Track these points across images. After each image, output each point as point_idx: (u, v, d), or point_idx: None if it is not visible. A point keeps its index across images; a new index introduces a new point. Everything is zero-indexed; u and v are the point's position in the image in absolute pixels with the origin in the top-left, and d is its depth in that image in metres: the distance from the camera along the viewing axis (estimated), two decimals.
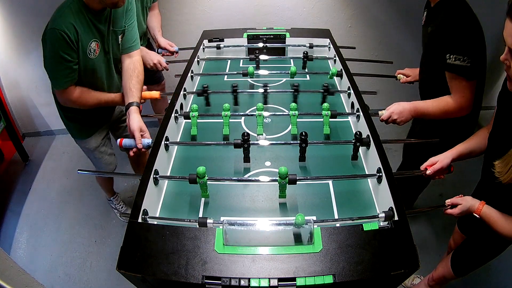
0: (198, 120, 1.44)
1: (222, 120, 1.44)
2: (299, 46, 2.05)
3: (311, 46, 2.03)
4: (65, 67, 1.38)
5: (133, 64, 1.56)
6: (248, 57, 1.95)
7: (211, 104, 1.66)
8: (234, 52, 2.08)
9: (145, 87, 1.69)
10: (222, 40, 2.06)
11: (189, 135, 1.47)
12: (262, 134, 1.41)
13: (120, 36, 1.54)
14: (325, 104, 1.44)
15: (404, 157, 1.96)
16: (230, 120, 1.49)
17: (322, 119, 1.44)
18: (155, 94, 1.69)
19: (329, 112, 1.41)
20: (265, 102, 1.65)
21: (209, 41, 2.06)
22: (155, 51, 2.12)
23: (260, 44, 2.01)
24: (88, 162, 1.98)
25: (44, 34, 1.36)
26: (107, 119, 1.83)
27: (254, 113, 1.43)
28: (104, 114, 1.77)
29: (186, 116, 1.45)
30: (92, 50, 1.45)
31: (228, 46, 2.05)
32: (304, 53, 1.89)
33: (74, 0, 1.36)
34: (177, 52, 2.09)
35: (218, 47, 2.04)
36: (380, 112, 1.47)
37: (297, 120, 1.44)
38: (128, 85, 1.51)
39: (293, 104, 1.43)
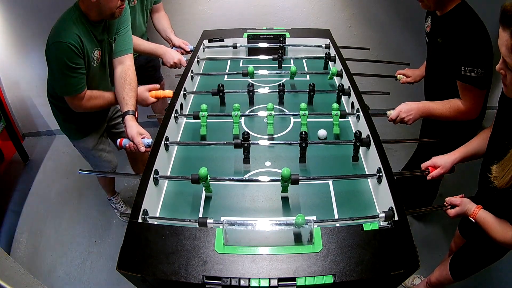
0: (198, 120, 1.44)
1: (227, 120, 1.44)
2: (299, 46, 2.05)
3: (327, 47, 2.02)
4: (75, 74, 1.42)
5: (125, 72, 1.56)
6: (272, 57, 1.93)
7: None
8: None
9: (157, 85, 1.68)
10: (222, 40, 2.06)
11: (190, 135, 1.47)
12: (272, 134, 1.41)
13: (113, 43, 1.57)
14: (335, 105, 1.44)
15: (415, 157, 1.96)
16: (230, 120, 1.49)
17: (326, 119, 1.45)
18: (169, 93, 1.62)
19: (338, 112, 1.41)
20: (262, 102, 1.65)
21: (209, 41, 2.06)
22: None
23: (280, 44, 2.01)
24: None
25: (47, 48, 1.39)
26: (103, 118, 1.84)
27: (254, 114, 1.43)
28: (99, 113, 1.77)
29: (196, 116, 1.44)
30: (95, 58, 1.49)
31: (242, 46, 2.05)
32: (326, 54, 1.89)
33: (74, 11, 1.40)
34: (191, 50, 2.07)
35: (235, 47, 2.04)
36: (388, 112, 1.49)
37: (295, 120, 1.43)
38: (121, 94, 1.51)
39: (303, 104, 1.43)
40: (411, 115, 1.44)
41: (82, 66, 1.43)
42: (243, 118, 1.55)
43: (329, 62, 1.92)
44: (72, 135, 1.79)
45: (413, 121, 1.47)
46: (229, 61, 2.03)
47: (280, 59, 1.91)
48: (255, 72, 1.72)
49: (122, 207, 2.34)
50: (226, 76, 1.88)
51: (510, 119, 1.01)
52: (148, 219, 1.02)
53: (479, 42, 1.30)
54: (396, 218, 0.98)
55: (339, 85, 1.62)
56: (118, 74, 1.57)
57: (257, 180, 1.18)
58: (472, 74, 1.31)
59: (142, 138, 1.37)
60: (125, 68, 1.58)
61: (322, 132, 1.40)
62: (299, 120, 1.52)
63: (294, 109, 1.58)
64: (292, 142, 1.30)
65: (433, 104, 1.46)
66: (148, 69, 2.25)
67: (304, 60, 2.02)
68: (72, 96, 1.48)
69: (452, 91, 1.44)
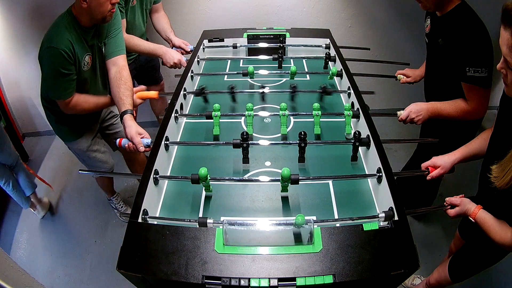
0: (198, 120, 1.44)
1: (234, 120, 1.46)
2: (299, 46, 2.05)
3: (327, 47, 2.02)
4: (65, 80, 1.45)
5: (119, 73, 1.57)
6: (272, 57, 1.93)
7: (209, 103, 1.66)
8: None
9: (143, 86, 1.70)
10: (222, 40, 2.06)
11: (190, 135, 1.47)
12: (286, 134, 1.41)
13: (102, 48, 1.59)
14: (347, 105, 1.45)
15: (415, 157, 1.97)
16: (230, 120, 1.49)
17: (324, 119, 1.45)
18: (153, 94, 1.68)
19: (351, 112, 1.42)
20: (264, 102, 1.65)
21: (209, 41, 2.06)
22: None
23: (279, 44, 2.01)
24: None
25: (41, 52, 1.41)
26: (95, 119, 1.85)
27: (252, 114, 1.43)
28: (91, 114, 1.78)
29: (208, 116, 1.43)
30: (86, 63, 1.51)
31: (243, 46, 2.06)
32: (326, 54, 1.89)
33: (67, 17, 1.42)
34: (191, 50, 2.06)
35: (235, 47, 2.04)
36: (398, 113, 1.51)
37: (295, 120, 1.43)
38: (117, 94, 1.52)
39: (316, 104, 1.43)
40: (420, 115, 1.47)
41: (73, 72, 1.45)
42: (242, 118, 1.55)
43: (329, 62, 1.92)
44: (65, 137, 1.80)
45: (422, 121, 1.48)
46: (229, 61, 2.03)
47: (280, 59, 1.91)
48: (255, 72, 1.72)
49: (122, 207, 2.34)
50: (226, 76, 1.88)
51: (511, 119, 1.01)
52: (148, 219, 1.03)
53: (482, 42, 1.31)
54: (396, 218, 0.98)
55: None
56: (112, 75, 1.58)
57: (257, 180, 1.18)
58: (477, 74, 1.32)
59: (141, 138, 1.37)
60: (119, 68, 1.58)
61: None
62: (300, 120, 1.52)
63: (294, 109, 1.59)
64: (291, 142, 1.30)
65: (441, 105, 1.48)
66: (148, 69, 2.25)
67: (304, 60, 2.02)
68: (62, 100, 1.51)
69: (453, 91, 1.44)
